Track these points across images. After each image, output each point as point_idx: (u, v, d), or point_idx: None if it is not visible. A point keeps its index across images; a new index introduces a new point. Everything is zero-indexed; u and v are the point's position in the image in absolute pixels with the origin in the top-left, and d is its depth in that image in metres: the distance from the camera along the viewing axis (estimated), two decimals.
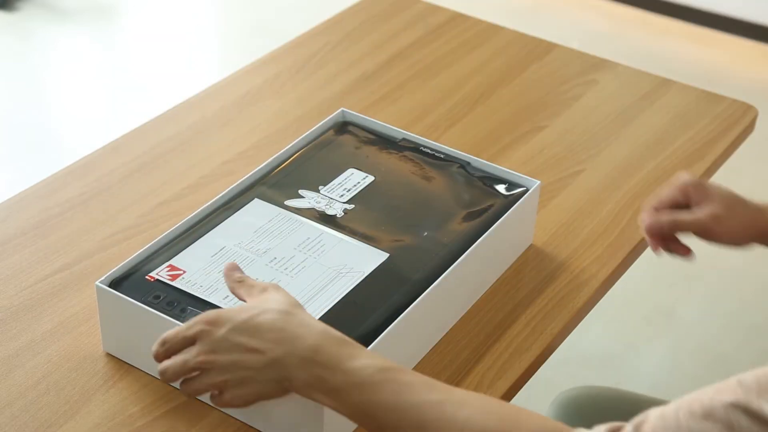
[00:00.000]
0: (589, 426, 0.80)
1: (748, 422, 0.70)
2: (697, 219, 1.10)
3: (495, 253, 1.14)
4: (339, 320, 0.94)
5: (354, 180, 1.17)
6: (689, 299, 2.37)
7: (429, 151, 1.22)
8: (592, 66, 1.57)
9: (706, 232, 1.10)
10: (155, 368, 1.01)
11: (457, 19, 1.66)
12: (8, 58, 3.15)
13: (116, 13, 3.43)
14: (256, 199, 1.13)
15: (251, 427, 0.98)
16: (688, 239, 1.12)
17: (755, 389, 0.70)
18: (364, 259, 1.06)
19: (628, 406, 1.28)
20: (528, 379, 1.07)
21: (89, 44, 3.28)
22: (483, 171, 1.19)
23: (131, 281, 1.02)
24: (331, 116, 1.26)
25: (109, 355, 1.05)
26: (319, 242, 1.08)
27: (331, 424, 0.94)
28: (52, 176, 1.30)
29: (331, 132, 1.25)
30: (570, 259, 1.20)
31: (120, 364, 1.04)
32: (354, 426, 0.98)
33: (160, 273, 1.03)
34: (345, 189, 1.15)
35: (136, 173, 1.31)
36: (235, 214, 1.11)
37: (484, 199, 1.15)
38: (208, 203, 1.13)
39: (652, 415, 0.76)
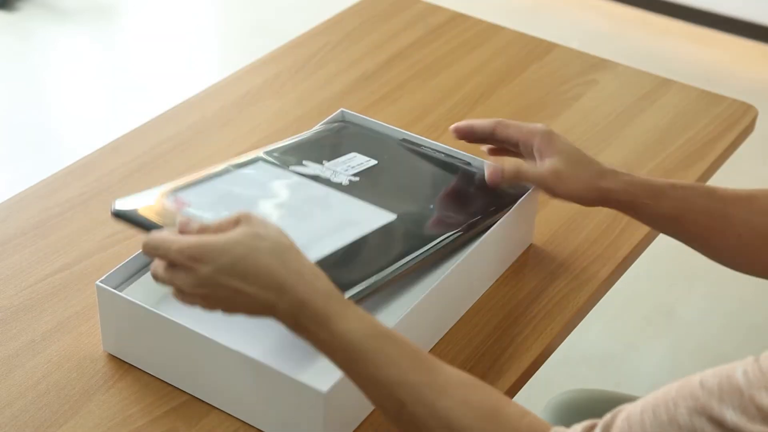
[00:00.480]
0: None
1: (711, 429, 0.70)
2: (539, 173, 1.09)
3: (495, 252, 1.14)
4: (339, 267, 0.93)
5: (357, 161, 1.16)
6: (689, 299, 2.37)
7: (429, 151, 1.22)
8: (592, 66, 1.57)
9: (547, 187, 1.10)
10: (155, 368, 1.02)
11: (457, 19, 1.66)
12: (8, 58, 3.15)
13: (116, 13, 3.43)
14: (260, 161, 1.11)
15: (251, 426, 0.98)
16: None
17: (716, 394, 0.70)
18: (371, 217, 1.05)
19: None
20: (528, 379, 1.07)
21: (89, 44, 3.28)
22: (483, 171, 1.19)
23: (134, 213, 0.99)
24: (330, 116, 1.26)
25: (109, 355, 1.05)
26: (325, 200, 1.06)
27: (331, 422, 0.94)
28: (52, 176, 1.30)
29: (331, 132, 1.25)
30: (570, 259, 1.20)
31: (120, 364, 1.04)
32: (355, 425, 0.98)
33: (166, 202, 1.01)
34: (349, 166, 1.14)
35: (136, 173, 1.31)
36: (239, 170, 1.09)
37: (485, 198, 1.15)
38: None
39: (620, 417, 0.76)
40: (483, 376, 1.04)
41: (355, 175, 1.12)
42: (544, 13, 3.46)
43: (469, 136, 1.14)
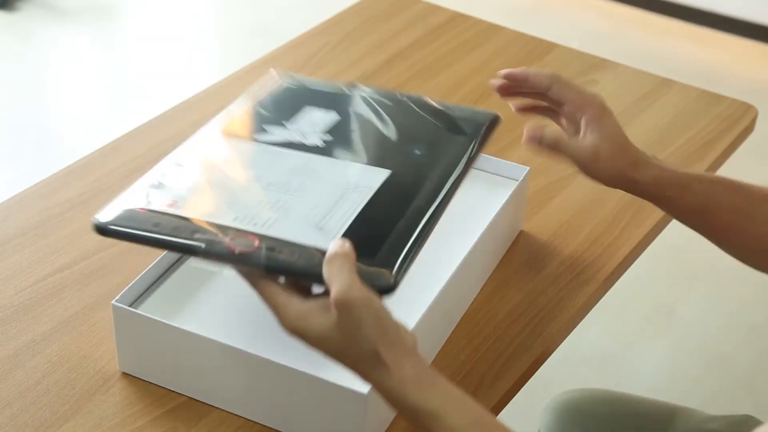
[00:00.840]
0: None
1: None
2: (577, 149, 1.06)
3: (492, 242, 1.14)
4: (365, 246, 0.85)
5: (316, 117, 1.05)
6: (689, 299, 2.37)
7: (377, 95, 1.12)
8: (592, 66, 1.57)
9: (581, 164, 1.06)
10: (179, 385, 1.01)
11: (457, 19, 1.66)
12: (8, 58, 3.15)
13: (116, 13, 3.43)
14: (220, 137, 1.02)
15: (253, 423, 0.98)
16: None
17: None
18: (366, 177, 0.96)
19: (622, 408, 1.28)
20: (528, 379, 1.07)
21: (89, 44, 3.28)
22: (440, 106, 1.12)
23: (122, 218, 0.89)
24: (264, 78, 1.15)
25: (108, 354, 1.05)
26: (309, 167, 0.96)
27: (370, 423, 0.94)
28: (52, 176, 1.30)
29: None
30: (570, 258, 1.20)
31: None
32: (388, 423, 0.99)
33: (152, 202, 0.92)
34: (311, 123, 1.04)
35: (136, 173, 1.30)
36: (204, 150, 0.99)
37: (453, 128, 1.09)
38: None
39: None
40: (483, 377, 1.04)
41: (325, 133, 1.03)
42: (544, 13, 3.46)
43: (518, 86, 1.09)
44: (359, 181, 0.95)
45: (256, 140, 1.01)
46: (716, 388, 2.15)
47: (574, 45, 1.65)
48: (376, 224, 0.90)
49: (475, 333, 1.09)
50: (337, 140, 1.02)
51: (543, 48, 1.60)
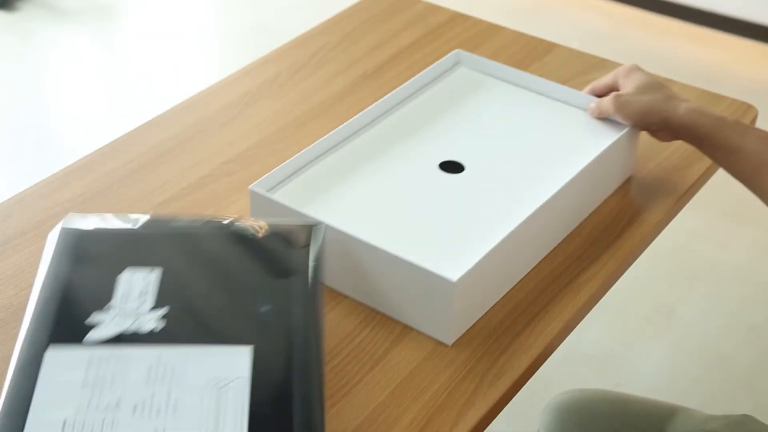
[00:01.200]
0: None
1: None
2: (606, 102, 1.24)
3: (596, 183, 1.24)
4: None
5: (140, 281, 0.93)
6: (689, 299, 2.37)
7: (179, 226, 1.02)
8: (592, 66, 1.57)
9: (618, 113, 1.23)
10: None
11: (457, 19, 1.66)
12: (8, 58, 3.15)
13: (116, 13, 3.44)
14: (50, 348, 0.87)
15: (352, 301, 1.08)
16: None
17: None
18: (229, 363, 0.85)
19: (621, 408, 1.29)
20: (528, 379, 1.07)
21: (89, 44, 3.28)
22: (249, 235, 1.00)
23: None
24: (61, 230, 1.01)
25: None
26: (165, 365, 0.85)
27: (459, 310, 1.02)
28: (52, 176, 1.30)
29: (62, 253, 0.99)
30: (569, 259, 1.20)
31: None
32: (480, 314, 1.08)
33: None
34: (138, 295, 0.92)
35: (136, 173, 1.31)
36: (40, 377, 0.85)
37: (283, 252, 0.99)
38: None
39: None
40: (483, 376, 1.04)
41: (156, 306, 0.91)
42: (544, 13, 3.46)
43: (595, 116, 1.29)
44: (226, 370, 0.85)
45: (86, 343, 0.87)
46: (716, 388, 2.15)
47: (574, 45, 1.65)
48: (272, 420, 0.82)
49: (475, 333, 1.09)
50: (173, 315, 0.90)
51: (543, 48, 1.60)
